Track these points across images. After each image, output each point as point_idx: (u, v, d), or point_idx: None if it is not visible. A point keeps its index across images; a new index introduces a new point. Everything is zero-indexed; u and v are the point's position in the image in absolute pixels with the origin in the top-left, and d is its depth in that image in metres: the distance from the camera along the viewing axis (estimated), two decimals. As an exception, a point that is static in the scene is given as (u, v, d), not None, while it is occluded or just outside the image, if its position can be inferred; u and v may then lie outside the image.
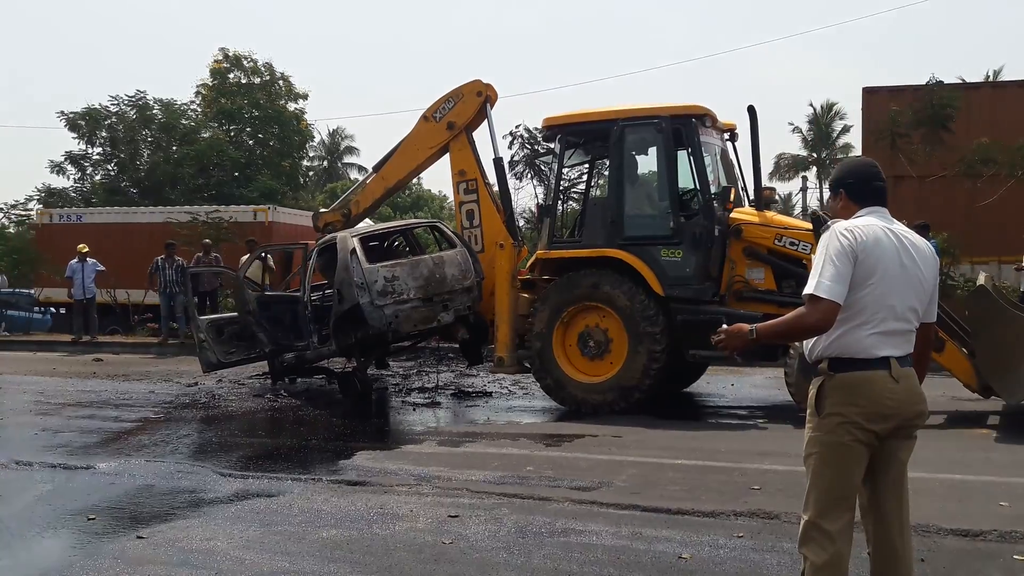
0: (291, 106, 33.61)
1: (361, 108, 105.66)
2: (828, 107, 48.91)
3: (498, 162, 10.34)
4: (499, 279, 9.74)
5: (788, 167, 51.36)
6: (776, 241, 8.92)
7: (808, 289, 3.19)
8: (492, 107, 10.39)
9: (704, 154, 9.14)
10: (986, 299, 7.62)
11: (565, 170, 10.53)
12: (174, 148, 30.78)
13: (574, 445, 7.91)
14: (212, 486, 6.53)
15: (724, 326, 3.48)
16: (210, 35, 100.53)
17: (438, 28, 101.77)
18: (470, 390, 11.29)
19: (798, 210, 51.79)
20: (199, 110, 32.69)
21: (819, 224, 8.65)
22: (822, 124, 48.84)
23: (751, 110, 9.23)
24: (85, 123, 30.11)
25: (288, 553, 4.94)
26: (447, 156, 10.79)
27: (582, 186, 13.14)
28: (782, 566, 4.66)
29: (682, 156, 9.25)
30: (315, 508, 5.85)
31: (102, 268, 17.26)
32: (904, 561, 3.29)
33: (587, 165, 11.04)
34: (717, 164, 9.66)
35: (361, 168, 48.96)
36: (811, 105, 49.94)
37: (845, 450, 3.20)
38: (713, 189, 9.21)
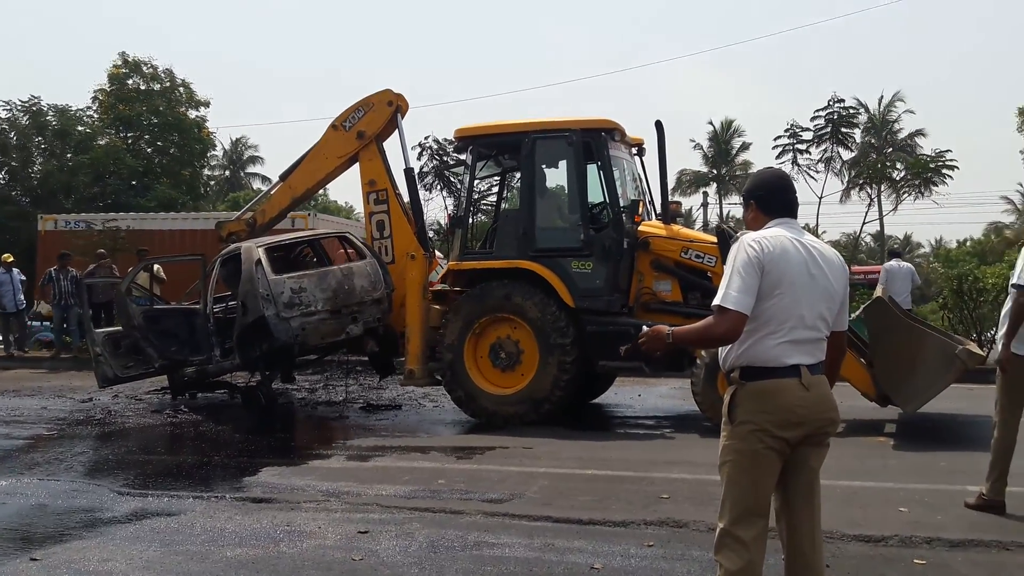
0: (192, 113, 32.81)
1: (266, 117, 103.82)
2: (727, 124, 50.62)
3: (409, 172, 10.25)
4: (410, 290, 9.62)
5: (690, 183, 52.61)
6: (682, 254, 9.11)
7: (716, 300, 3.23)
8: (403, 117, 10.29)
9: (613, 168, 9.25)
10: (884, 310, 7.90)
11: (477, 182, 10.51)
12: (68, 156, 29.62)
13: (485, 457, 7.87)
14: (109, 505, 6.25)
15: (645, 328, 3.50)
16: (109, 40, 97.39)
17: (348, 38, 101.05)
18: (379, 403, 11.12)
19: (699, 224, 53.07)
20: (96, 116, 31.59)
21: (723, 237, 8.86)
22: (721, 142, 50.28)
23: (658, 125, 9.40)
24: None
25: (190, 574, 4.74)
26: (357, 166, 10.63)
27: (494, 198, 13.14)
28: (691, 574, 4.70)
29: (592, 169, 9.35)
30: (218, 527, 5.63)
31: (23, 278, 16.43)
32: (814, 567, 3.35)
33: (499, 177, 11.04)
34: (626, 178, 9.78)
35: (265, 178, 48.05)
36: (711, 123, 51.52)
37: (757, 458, 3.24)
38: (622, 203, 9.32)
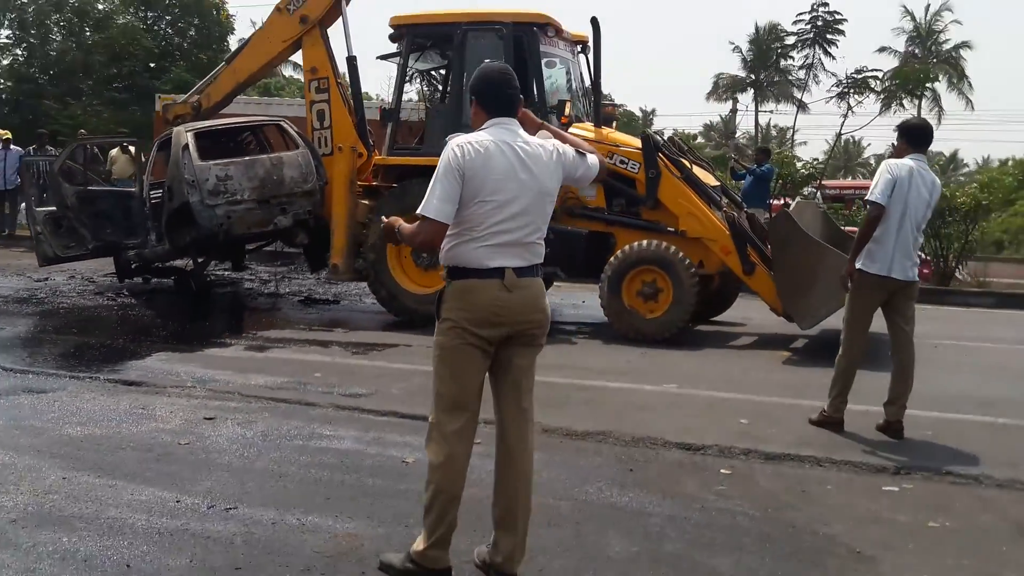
0: None
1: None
2: (770, 28, 48.50)
3: (351, 61, 9.99)
4: (335, 184, 9.55)
5: (726, 88, 51.24)
6: (608, 158, 8.88)
7: (419, 208, 3.22)
8: (348, 3, 10.02)
9: (546, 65, 9.03)
10: (787, 224, 7.77)
11: (411, 71, 10.31)
12: (87, 33, 29.33)
13: (381, 354, 7.97)
14: None
15: (383, 219, 3.53)
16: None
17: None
18: (318, 297, 11.27)
19: (740, 132, 51.99)
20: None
21: (648, 144, 8.73)
22: (762, 45, 48.50)
23: (594, 22, 9.00)
24: None
25: (17, 446, 4.93)
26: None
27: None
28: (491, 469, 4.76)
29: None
30: (76, 406, 5.83)
31: (24, 153, 16.22)
32: (518, 462, 3.42)
33: (439, 70, 10.81)
34: (564, 77, 9.56)
35: (295, 64, 47.40)
36: (756, 26, 49.44)
37: (457, 353, 3.29)
38: (550, 102, 9.10)
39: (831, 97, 15.80)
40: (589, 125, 9.24)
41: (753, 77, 49.08)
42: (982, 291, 13.92)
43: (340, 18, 10.18)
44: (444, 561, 3.34)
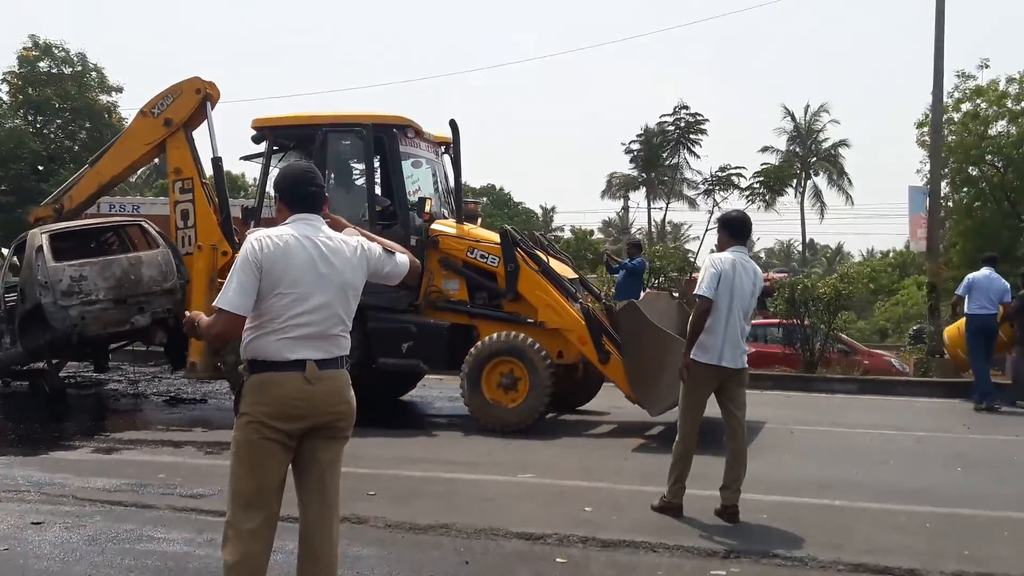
0: (104, 98, 31.79)
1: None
2: (660, 130, 50.50)
3: (216, 162, 10.09)
4: (195, 282, 9.54)
5: (619, 186, 52.99)
6: (469, 253, 9.17)
7: (215, 301, 3.26)
8: (213, 106, 10.13)
9: (407, 165, 9.28)
10: (634, 314, 8.05)
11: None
12: None
13: (238, 453, 7.81)
14: None
15: (187, 313, 3.53)
16: (18, 21, 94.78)
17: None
18: (185, 396, 10.99)
19: (635, 228, 53.53)
20: (5, 100, 30.48)
21: (506, 238, 8.98)
22: (652, 145, 50.41)
23: (452, 124, 9.49)
24: None
25: None
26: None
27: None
28: None
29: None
30: None
31: None
32: (321, 558, 3.39)
33: None
34: (427, 176, 9.81)
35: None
36: (645, 127, 51.45)
37: (254, 449, 3.28)
38: (412, 200, 9.33)
39: (698, 194, 16.62)
40: (451, 222, 9.47)
41: (644, 176, 50.93)
42: (845, 377, 14.50)
43: (205, 120, 10.28)
44: (241, 660, 3.25)
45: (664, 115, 33.23)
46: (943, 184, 19.26)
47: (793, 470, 7.40)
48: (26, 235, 9.61)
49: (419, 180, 9.79)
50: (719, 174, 15.87)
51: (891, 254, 47.15)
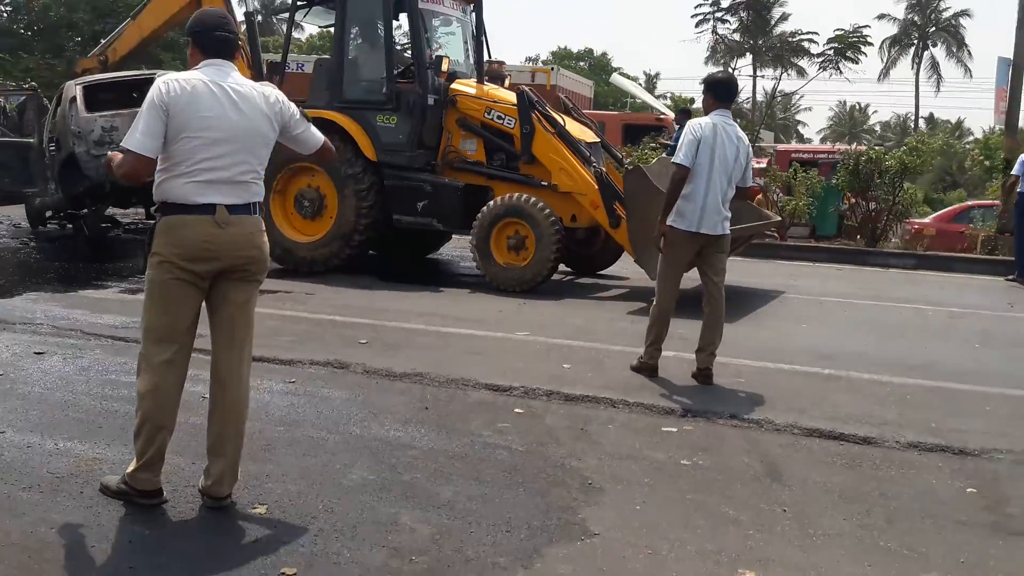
0: None
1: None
2: None
3: (248, 16, 10.11)
4: None
5: (724, 52, 51.01)
6: (486, 114, 9.04)
7: (123, 141, 3.30)
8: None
9: (430, 22, 9.13)
10: (639, 176, 7.86)
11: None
12: None
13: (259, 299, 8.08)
14: None
15: (108, 152, 3.61)
16: None
17: None
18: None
19: (744, 97, 51.80)
20: None
21: (523, 100, 8.79)
22: (761, 9, 48.16)
23: None
24: None
25: None
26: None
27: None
28: (296, 407, 4.89)
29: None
30: None
31: None
32: (229, 392, 3.53)
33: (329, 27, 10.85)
34: (452, 34, 9.61)
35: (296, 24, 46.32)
36: None
37: (165, 287, 3.39)
38: (430, 58, 9.16)
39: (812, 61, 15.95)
40: (472, 81, 9.31)
41: (751, 42, 48.69)
42: (904, 252, 14.06)
43: None
44: (153, 483, 3.45)
45: None
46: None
47: (800, 339, 7.30)
48: (64, 87, 9.83)
49: (445, 39, 9.59)
50: (837, 42, 14.94)
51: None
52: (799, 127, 67.36)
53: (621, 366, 5.96)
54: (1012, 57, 15.98)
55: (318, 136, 3.70)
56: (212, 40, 3.42)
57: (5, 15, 29.11)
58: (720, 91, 5.60)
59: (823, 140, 57.80)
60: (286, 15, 9.82)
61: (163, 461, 3.48)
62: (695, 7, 27.88)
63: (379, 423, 4.68)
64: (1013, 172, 11.43)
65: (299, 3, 9.62)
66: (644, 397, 5.31)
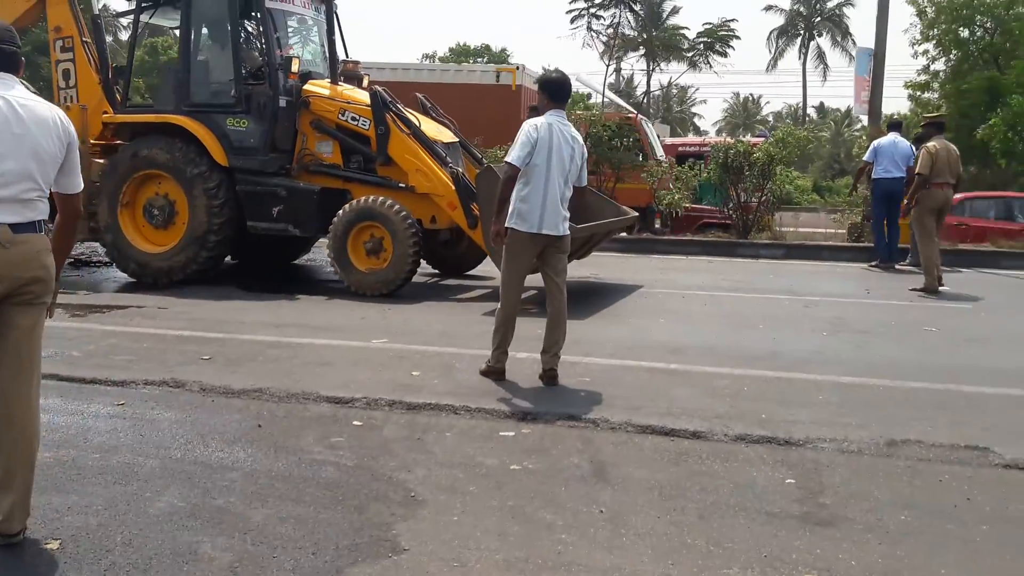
0: None
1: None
2: None
3: (95, 20, 9.67)
4: None
5: (618, 47, 51.41)
6: (340, 115, 8.94)
7: None
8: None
9: (279, 22, 8.92)
10: (491, 177, 7.88)
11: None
12: None
13: (103, 316, 7.80)
14: None
15: None
16: None
17: None
18: (99, 260, 10.91)
19: (639, 92, 52.28)
20: None
21: (376, 100, 8.72)
22: (653, 4, 48.65)
23: None
24: None
25: None
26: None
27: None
28: (122, 430, 4.71)
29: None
30: None
31: None
32: (16, 422, 3.30)
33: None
34: (303, 34, 9.44)
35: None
36: None
37: None
38: (279, 59, 8.98)
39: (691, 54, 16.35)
40: (326, 82, 9.15)
41: (644, 36, 49.21)
42: (773, 243, 14.49)
43: None
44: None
45: None
46: (928, 47, 18.72)
47: (654, 334, 7.41)
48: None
49: (299, 39, 9.41)
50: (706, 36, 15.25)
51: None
52: (695, 119, 68.95)
53: (471, 371, 5.94)
54: (872, 47, 16.64)
55: (79, 183, 3.51)
56: None
57: None
58: (554, 91, 5.62)
59: (719, 132, 59.19)
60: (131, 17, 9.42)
61: None
62: (570, 2, 28.13)
63: (204, 445, 4.52)
64: (864, 159, 11.92)
65: (144, 3, 9.30)
66: (486, 402, 5.29)
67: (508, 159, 5.50)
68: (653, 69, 47.81)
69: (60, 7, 9.77)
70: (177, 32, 9.56)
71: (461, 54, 44.25)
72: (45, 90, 12.04)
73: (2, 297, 3.24)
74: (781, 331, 7.70)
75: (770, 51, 53.92)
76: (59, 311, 7.69)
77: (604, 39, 43.75)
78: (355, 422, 4.96)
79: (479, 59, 43.59)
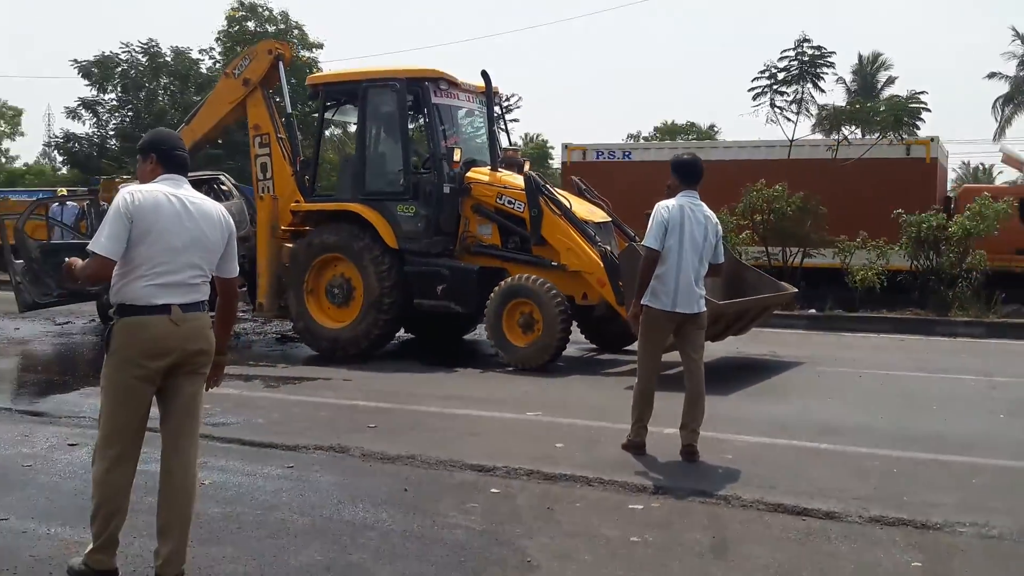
0: (305, 54, 32.14)
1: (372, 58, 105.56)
2: (873, 57, 47.41)
3: (288, 118, 10.84)
4: (259, 230, 10.39)
5: (827, 118, 50.23)
6: (498, 199, 9.59)
7: (89, 245, 3.71)
8: (286, 65, 10.79)
9: (443, 115, 9.77)
10: (632, 255, 8.08)
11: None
12: (192, 93, 30.30)
13: (293, 387, 8.54)
14: None
15: (66, 259, 3.92)
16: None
17: None
18: (291, 336, 11.94)
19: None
20: (219, 59, 31.88)
21: (530, 183, 9.23)
22: (867, 75, 47.59)
23: (484, 75, 9.75)
24: (97, 70, 30.26)
25: None
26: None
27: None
28: (286, 491, 5.17)
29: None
30: None
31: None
32: (176, 478, 3.80)
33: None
34: (466, 124, 10.28)
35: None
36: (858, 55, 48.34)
37: (122, 385, 3.69)
38: (443, 149, 9.71)
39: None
40: (486, 169, 9.84)
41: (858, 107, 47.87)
42: (973, 320, 13.59)
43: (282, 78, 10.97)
44: (108, 564, 3.76)
45: (784, 50, 30.35)
46: None
47: (813, 413, 7.28)
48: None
49: (459, 130, 10.21)
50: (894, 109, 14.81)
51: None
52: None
53: (614, 444, 6.06)
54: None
55: (236, 267, 4.00)
56: (171, 158, 3.84)
57: (128, 120, 31.32)
58: (685, 173, 5.81)
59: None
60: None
61: (117, 544, 3.78)
62: (751, 80, 27.89)
63: (353, 506, 4.92)
64: None
65: (328, 103, 10.41)
66: (621, 475, 5.41)
67: (645, 243, 5.72)
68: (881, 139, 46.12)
69: (258, 108, 10.97)
70: (354, 128, 10.54)
71: (668, 132, 44.73)
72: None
73: (172, 367, 3.76)
74: (954, 412, 7.32)
75: (995, 119, 50.51)
76: (258, 381, 8.66)
77: (793, 113, 42.96)
78: (493, 489, 5.22)
79: (687, 136, 43.79)
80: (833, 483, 5.23)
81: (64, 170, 38.27)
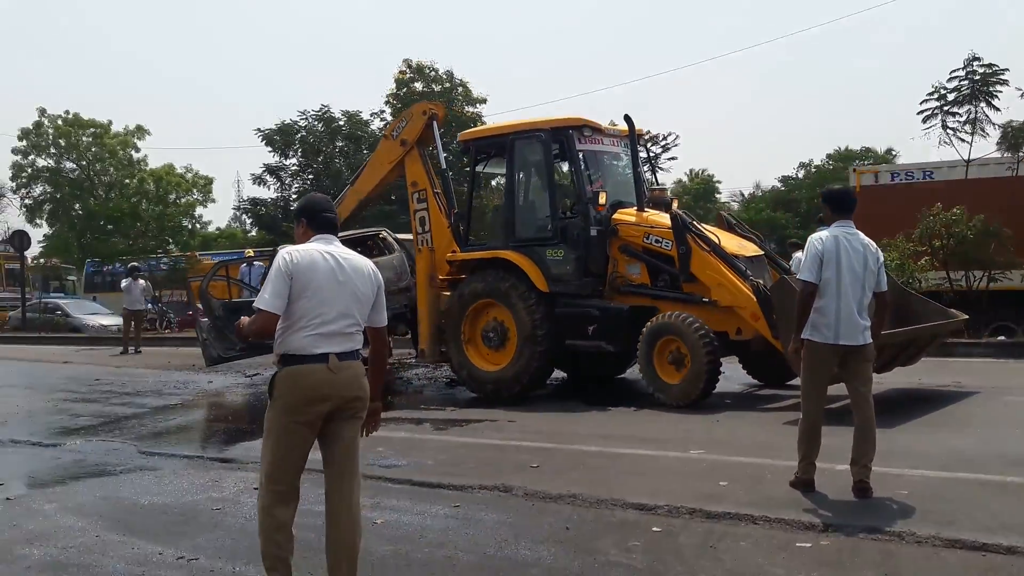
0: (469, 110, 33.64)
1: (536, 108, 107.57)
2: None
3: (442, 174, 11.34)
4: (418, 281, 10.91)
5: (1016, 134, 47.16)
6: (645, 239, 9.66)
7: (255, 303, 4.07)
8: (440, 125, 11.28)
9: (587, 161, 10.00)
10: (784, 289, 7.91)
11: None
12: (365, 154, 32.16)
13: (462, 429, 8.82)
14: (125, 460, 7.85)
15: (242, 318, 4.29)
16: (390, 50, 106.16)
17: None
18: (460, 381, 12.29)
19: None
20: (390, 119, 33.47)
21: (677, 222, 9.23)
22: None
23: (627, 119, 10.00)
24: (279, 138, 32.21)
25: (82, 512, 6.06)
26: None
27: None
28: (452, 530, 5.37)
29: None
30: (167, 481, 6.94)
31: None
32: (341, 518, 4.06)
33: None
34: (606, 168, 10.42)
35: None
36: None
37: (283, 431, 4.00)
38: (588, 194, 9.85)
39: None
40: (632, 210, 9.96)
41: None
42: None
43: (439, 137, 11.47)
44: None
45: (954, 70, 27.37)
46: None
47: (998, 445, 6.88)
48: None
49: (604, 173, 10.39)
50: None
51: None
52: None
53: (780, 482, 5.92)
54: None
55: (385, 317, 4.26)
56: (322, 220, 4.19)
57: (309, 183, 32.72)
58: (837, 204, 5.70)
59: None
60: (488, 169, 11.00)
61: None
62: (920, 103, 25.52)
63: (516, 544, 5.05)
64: None
65: (479, 157, 10.92)
66: (788, 513, 5.29)
67: (800, 277, 5.65)
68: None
69: (416, 165, 11.51)
70: (503, 179, 10.88)
71: (843, 158, 43.33)
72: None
73: (331, 412, 4.03)
74: None
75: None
76: (428, 424, 8.99)
77: (968, 133, 40.15)
78: (654, 528, 5.22)
79: (864, 161, 42.16)
80: (1018, 518, 4.93)
81: (253, 232, 41.07)
